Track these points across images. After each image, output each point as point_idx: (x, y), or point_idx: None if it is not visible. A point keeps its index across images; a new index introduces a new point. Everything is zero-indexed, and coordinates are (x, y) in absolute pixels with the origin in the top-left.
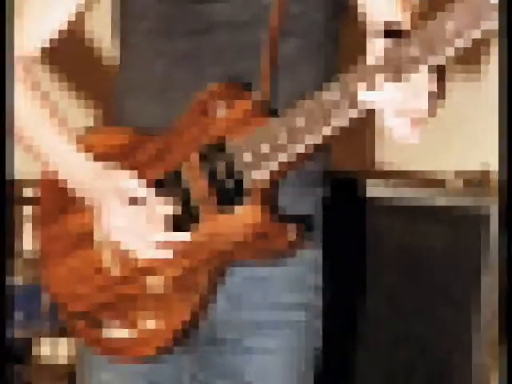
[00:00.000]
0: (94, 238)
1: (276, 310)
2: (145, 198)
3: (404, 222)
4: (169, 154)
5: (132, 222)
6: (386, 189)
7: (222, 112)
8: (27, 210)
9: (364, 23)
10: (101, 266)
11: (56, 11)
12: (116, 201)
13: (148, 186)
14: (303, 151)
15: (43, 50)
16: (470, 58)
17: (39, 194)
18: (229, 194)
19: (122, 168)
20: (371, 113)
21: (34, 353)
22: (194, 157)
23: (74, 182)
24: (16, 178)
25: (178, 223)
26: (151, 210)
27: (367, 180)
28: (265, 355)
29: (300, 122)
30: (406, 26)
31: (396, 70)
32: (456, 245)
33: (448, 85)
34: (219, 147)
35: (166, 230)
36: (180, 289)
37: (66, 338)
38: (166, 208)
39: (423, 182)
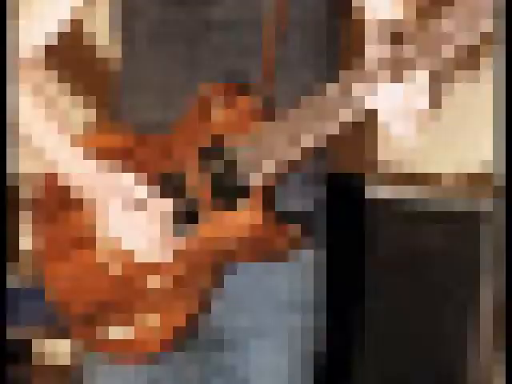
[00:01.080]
0: (94, 238)
1: (275, 311)
2: (144, 197)
3: (404, 222)
4: (169, 155)
5: (132, 222)
6: (385, 189)
7: (220, 112)
8: (27, 209)
9: (364, 23)
10: (101, 265)
11: (56, 11)
12: (116, 200)
13: (148, 185)
14: (303, 151)
15: (43, 49)
16: (470, 57)
17: (39, 194)
18: (229, 194)
19: (123, 167)
20: (371, 113)
21: (33, 353)
22: (194, 157)
23: (75, 180)
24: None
25: (177, 224)
26: (151, 210)
27: (367, 180)
28: (264, 355)
29: (300, 122)
30: (406, 26)
31: (395, 70)
32: (456, 245)
33: (448, 85)
34: (219, 147)
35: (166, 230)
36: (180, 289)
37: (66, 338)
38: (166, 208)
39: (423, 182)
